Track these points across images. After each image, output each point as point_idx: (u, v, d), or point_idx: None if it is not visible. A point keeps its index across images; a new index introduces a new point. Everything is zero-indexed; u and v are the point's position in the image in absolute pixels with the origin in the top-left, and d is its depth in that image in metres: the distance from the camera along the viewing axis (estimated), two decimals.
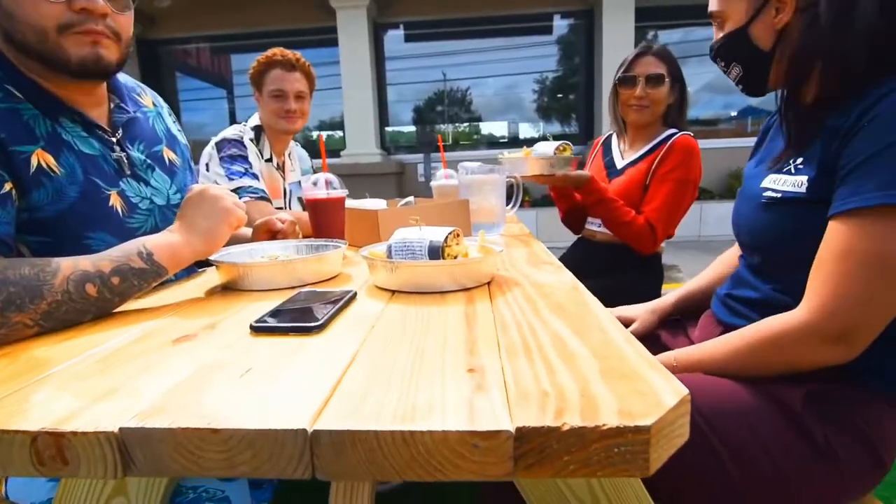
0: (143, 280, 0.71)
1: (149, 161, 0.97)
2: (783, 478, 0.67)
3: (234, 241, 1.04)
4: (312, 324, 0.57)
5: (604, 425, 0.36)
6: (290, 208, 1.80)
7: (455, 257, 0.76)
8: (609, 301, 1.51)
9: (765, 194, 0.78)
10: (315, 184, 1.07)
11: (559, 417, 0.37)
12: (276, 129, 1.68)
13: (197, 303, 0.75)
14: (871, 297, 0.63)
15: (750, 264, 0.87)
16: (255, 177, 1.55)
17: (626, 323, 1.09)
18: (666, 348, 1.03)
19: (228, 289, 0.82)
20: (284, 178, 1.78)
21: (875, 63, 0.68)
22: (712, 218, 5.33)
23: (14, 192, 0.74)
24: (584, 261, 1.67)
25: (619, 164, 1.63)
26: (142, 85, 1.06)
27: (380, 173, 5.46)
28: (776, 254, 0.79)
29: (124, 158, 0.92)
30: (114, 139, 0.91)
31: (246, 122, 1.71)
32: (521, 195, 1.39)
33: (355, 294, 0.72)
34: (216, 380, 0.46)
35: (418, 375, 0.45)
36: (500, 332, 0.56)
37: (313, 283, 0.82)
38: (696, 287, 1.09)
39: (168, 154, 1.03)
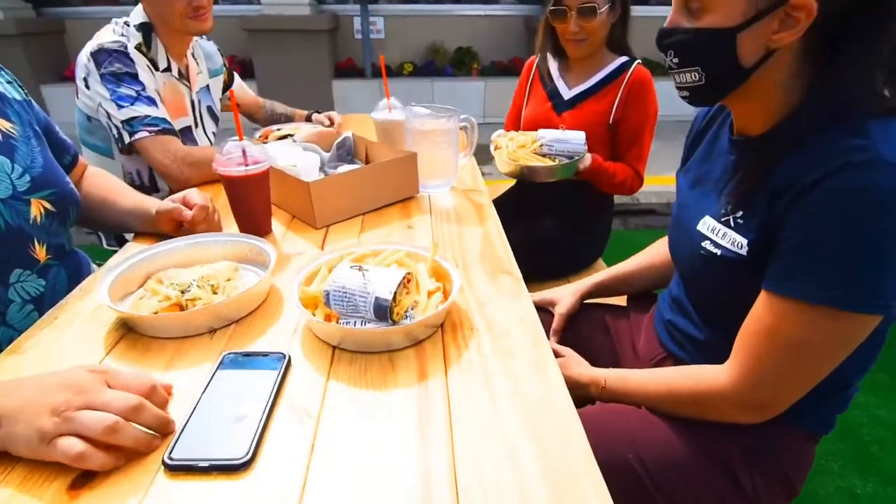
0: None
1: None
2: None
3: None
4: (238, 459, 0.48)
5: None
6: (201, 125, 1.52)
7: (407, 309, 0.65)
8: (568, 239, 1.49)
9: (703, 244, 0.73)
10: (241, 152, 0.85)
11: None
12: (182, 31, 1.30)
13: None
14: (789, 377, 0.65)
15: (689, 296, 0.83)
16: (151, 101, 1.23)
17: (550, 304, 1.08)
18: (608, 332, 1.03)
19: (133, 331, 0.69)
20: (190, 88, 1.46)
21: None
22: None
23: None
24: (530, 197, 1.62)
25: (567, 94, 1.50)
26: None
27: (309, 30, 4.71)
28: (715, 302, 0.77)
29: None
30: None
31: (126, 20, 1.29)
32: (477, 138, 1.22)
33: (290, 361, 0.62)
34: None
35: None
36: (455, 446, 0.50)
37: (236, 320, 0.70)
38: (618, 273, 1.08)
39: None
